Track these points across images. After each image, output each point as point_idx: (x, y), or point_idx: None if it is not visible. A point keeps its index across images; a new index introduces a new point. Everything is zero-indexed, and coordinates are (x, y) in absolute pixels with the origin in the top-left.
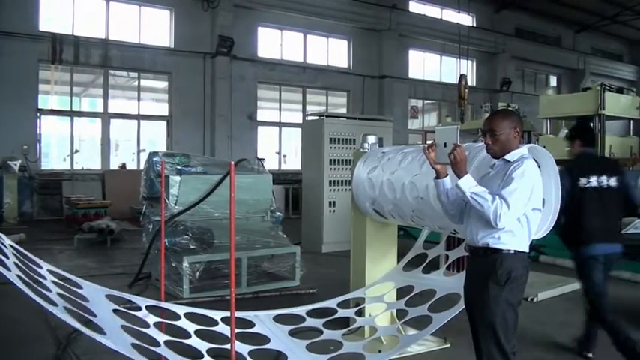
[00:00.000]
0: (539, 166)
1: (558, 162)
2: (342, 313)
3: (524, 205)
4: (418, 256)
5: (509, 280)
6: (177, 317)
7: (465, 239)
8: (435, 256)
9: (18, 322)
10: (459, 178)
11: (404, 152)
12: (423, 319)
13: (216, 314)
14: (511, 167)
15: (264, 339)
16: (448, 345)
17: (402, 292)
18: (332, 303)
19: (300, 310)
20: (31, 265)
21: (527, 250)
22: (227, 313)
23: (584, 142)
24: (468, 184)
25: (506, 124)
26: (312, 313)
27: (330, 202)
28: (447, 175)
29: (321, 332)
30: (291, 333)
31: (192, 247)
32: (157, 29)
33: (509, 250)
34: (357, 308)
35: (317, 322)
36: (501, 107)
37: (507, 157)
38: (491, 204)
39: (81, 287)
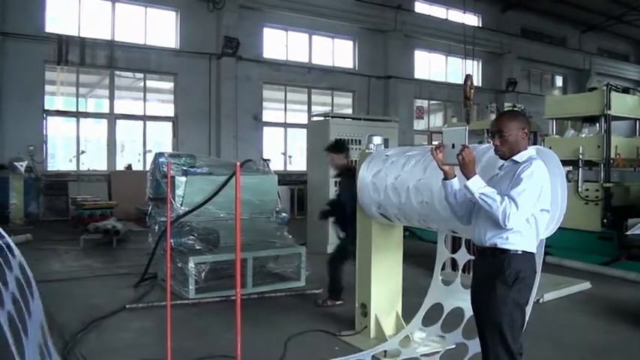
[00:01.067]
0: None
1: (564, 162)
2: None
3: (532, 206)
4: (430, 259)
5: (517, 280)
6: None
7: (473, 240)
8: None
9: None
10: (468, 179)
11: (407, 155)
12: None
13: None
14: (520, 168)
15: None
16: (453, 346)
17: (452, 316)
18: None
19: None
20: None
21: (535, 251)
22: None
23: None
24: (477, 184)
25: (514, 125)
26: None
27: None
28: (455, 176)
29: None
30: None
31: (197, 247)
32: (162, 30)
33: (517, 250)
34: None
35: None
36: (507, 108)
37: (516, 157)
38: (500, 204)
39: None
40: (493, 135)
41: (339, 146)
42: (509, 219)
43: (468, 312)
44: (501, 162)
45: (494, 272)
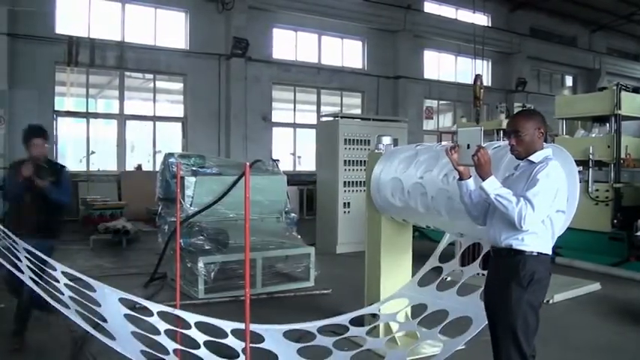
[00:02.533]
0: None
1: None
2: (352, 332)
3: (548, 207)
4: (440, 259)
5: (532, 282)
6: (187, 326)
7: (488, 240)
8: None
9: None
10: (483, 180)
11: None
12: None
13: (228, 325)
14: (536, 168)
15: (272, 356)
16: (463, 347)
17: (415, 311)
18: (344, 320)
19: (312, 326)
20: (44, 267)
21: (550, 253)
22: (238, 325)
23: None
24: (493, 185)
25: (530, 124)
26: (322, 330)
27: (344, 203)
28: (470, 176)
29: (330, 352)
30: (300, 350)
31: (207, 247)
32: (172, 31)
33: (532, 252)
34: (369, 328)
35: (327, 342)
36: (517, 108)
37: (532, 157)
38: (516, 206)
39: (94, 290)
40: (509, 135)
41: (46, 132)
42: (525, 220)
43: (431, 307)
44: (517, 162)
45: (509, 273)
